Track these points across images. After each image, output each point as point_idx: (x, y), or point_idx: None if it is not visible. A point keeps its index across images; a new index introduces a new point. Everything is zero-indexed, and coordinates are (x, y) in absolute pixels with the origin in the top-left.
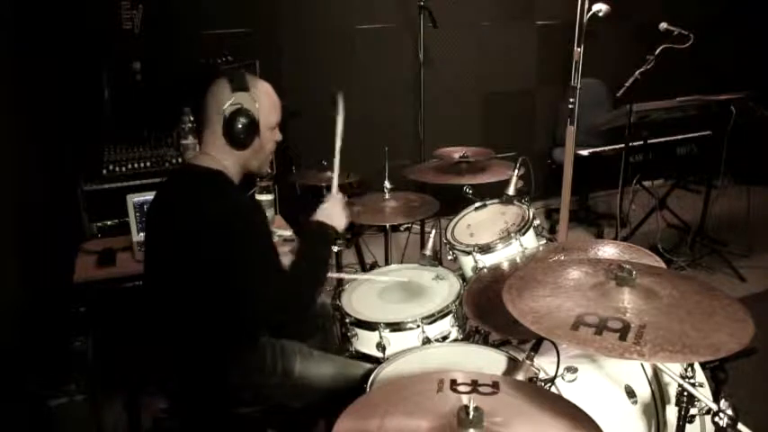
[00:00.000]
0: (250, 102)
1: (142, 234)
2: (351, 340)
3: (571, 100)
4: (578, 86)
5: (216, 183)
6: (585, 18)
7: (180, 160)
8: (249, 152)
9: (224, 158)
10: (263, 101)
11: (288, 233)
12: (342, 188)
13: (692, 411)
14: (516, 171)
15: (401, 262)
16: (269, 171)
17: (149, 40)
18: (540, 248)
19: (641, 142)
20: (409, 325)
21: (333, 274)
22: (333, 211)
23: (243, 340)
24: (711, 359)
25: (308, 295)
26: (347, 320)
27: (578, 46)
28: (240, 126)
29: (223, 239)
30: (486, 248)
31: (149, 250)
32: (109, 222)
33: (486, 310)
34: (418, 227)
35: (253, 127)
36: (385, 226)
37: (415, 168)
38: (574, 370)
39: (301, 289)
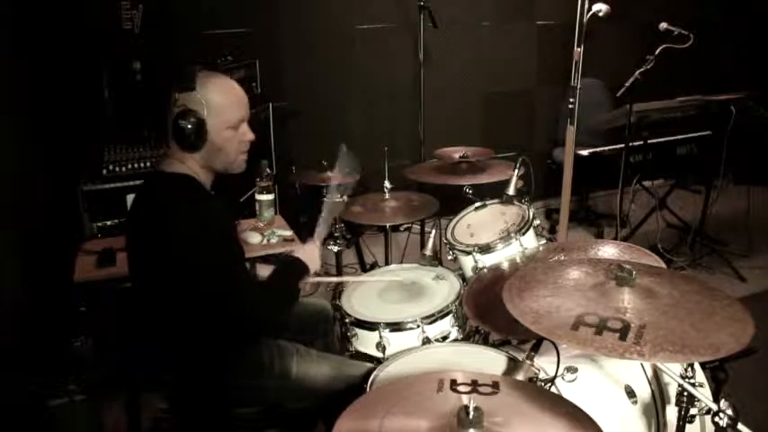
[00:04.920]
0: (195, 102)
1: None
2: (351, 340)
3: (571, 100)
4: (578, 86)
5: (182, 189)
6: (585, 18)
7: None
8: (204, 154)
9: (188, 161)
10: (214, 99)
11: (288, 233)
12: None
13: (692, 411)
14: (516, 171)
15: (401, 262)
16: (268, 168)
17: (149, 40)
18: (540, 248)
19: (641, 142)
20: (409, 325)
21: (325, 279)
22: (310, 255)
23: (240, 341)
24: (711, 359)
25: (267, 313)
26: (347, 320)
27: (578, 46)
28: (186, 128)
29: (188, 247)
30: (486, 248)
31: (130, 255)
32: (109, 222)
33: (486, 310)
34: (418, 227)
35: (200, 128)
36: (385, 226)
37: (415, 168)
38: (574, 370)
39: (262, 303)
